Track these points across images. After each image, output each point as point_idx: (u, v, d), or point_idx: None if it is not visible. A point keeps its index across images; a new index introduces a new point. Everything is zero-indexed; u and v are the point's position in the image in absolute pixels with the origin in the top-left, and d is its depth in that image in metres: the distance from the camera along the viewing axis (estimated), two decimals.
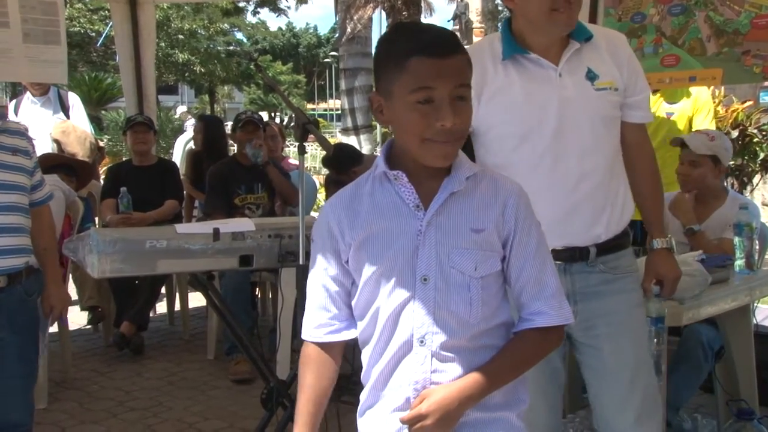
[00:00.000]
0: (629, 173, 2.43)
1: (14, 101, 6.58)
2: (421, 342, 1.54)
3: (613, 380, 2.31)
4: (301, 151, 3.02)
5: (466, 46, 1.56)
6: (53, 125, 5.99)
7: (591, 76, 2.27)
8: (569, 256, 2.27)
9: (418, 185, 1.56)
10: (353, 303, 1.63)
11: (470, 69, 1.54)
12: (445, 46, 1.50)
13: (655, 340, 2.44)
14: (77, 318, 5.58)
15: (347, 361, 4.11)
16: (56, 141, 5.86)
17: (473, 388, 1.53)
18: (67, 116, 6.23)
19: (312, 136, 3.08)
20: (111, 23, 9.96)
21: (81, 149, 5.84)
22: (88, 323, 5.54)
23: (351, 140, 15.21)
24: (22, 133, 2.79)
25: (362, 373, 1.67)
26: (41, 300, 2.87)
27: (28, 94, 6.28)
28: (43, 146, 5.89)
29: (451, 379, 1.54)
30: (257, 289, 5.59)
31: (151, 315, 5.45)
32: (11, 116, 6.22)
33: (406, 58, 1.49)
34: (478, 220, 1.56)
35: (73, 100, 6.43)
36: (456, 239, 1.55)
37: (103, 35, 21.86)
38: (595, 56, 2.29)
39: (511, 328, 1.63)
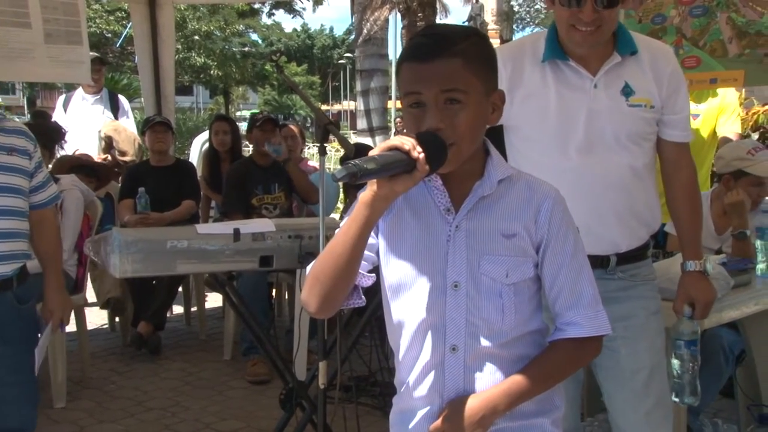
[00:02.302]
0: (666, 190, 2.43)
1: (63, 96, 6.77)
2: (453, 349, 1.53)
3: (628, 383, 2.31)
4: (323, 152, 3.01)
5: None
6: (104, 123, 6.19)
7: (627, 91, 2.25)
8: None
9: (451, 188, 1.54)
10: (383, 291, 1.61)
11: (466, 72, 1.47)
12: (428, 51, 1.47)
13: (691, 364, 2.40)
14: (95, 318, 5.61)
15: (365, 363, 4.12)
16: (107, 137, 6.04)
17: (500, 399, 1.51)
18: (116, 117, 6.40)
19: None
20: (130, 24, 10.01)
21: (131, 148, 6.10)
22: (107, 308, 5.48)
23: (366, 141, 15.21)
24: (21, 131, 2.64)
25: (395, 379, 1.65)
26: (41, 306, 2.78)
27: (79, 91, 6.46)
28: (90, 143, 6.07)
29: (483, 387, 1.52)
30: (273, 289, 5.59)
31: (167, 315, 5.46)
32: (59, 111, 6.45)
33: (400, 65, 1.52)
34: (509, 225, 1.53)
35: (124, 102, 6.64)
36: (486, 245, 1.52)
37: (122, 36, 22.00)
38: (636, 71, 2.27)
39: (544, 336, 1.60)
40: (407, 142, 1.37)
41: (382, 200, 1.40)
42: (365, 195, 1.39)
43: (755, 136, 6.77)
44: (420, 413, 1.58)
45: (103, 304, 5.42)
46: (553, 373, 1.57)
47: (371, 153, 1.38)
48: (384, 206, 1.42)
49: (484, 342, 1.52)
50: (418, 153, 1.37)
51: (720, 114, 4.55)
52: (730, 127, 4.54)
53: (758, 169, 3.57)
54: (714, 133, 4.53)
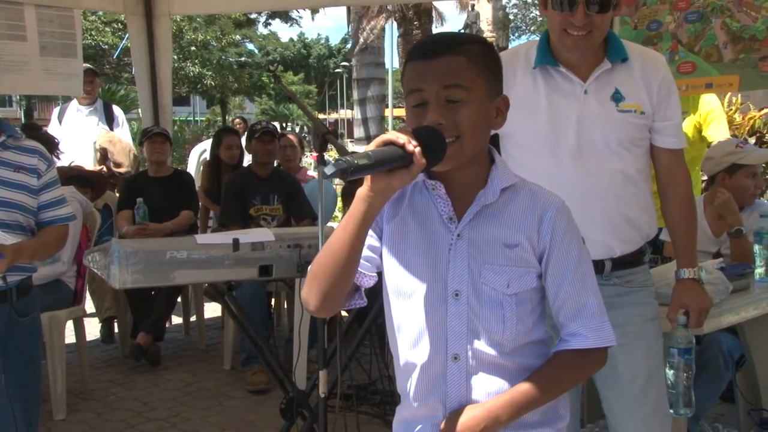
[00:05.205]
0: (662, 198, 2.44)
1: (58, 108, 6.80)
2: (455, 358, 1.51)
3: (625, 389, 2.32)
4: (321, 161, 3.02)
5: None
6: (98, 135, 6.21)
7: (617, 97, 2.27)
8: None
9: (455, 197, 1.53)
10: (385, 296, 1.60)
11: (470, 70, 1.47)
12: (431, 48, 1.48)
13: (685, 374, 2.39)
14: (94, 329, 5.60)
15: (365, 371, 4.12)
16: (102, 149, 6.07)
17: (502, 409, 1.49)
18: (111, 128, 6.44)
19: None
20: (127, 35, 10.02)
21: (126, 159, 6.12)
22: (101, 337, 5.57)
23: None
24: (36, 151, 2.68)
25: (398, 386, 1.64)
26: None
27: (74, 103, 6.50)
28: (85, 154, 6.10)
29: (487, 397, 1.51)
30: (272, 299, 5.59)
31: (167, 326, 5.45)
32: (54, 123, 6.48)
33: (404, 66, 1.53)
34: (512, 235, 1.51)
35: (119, 113, 6.68)
36: (488, 254, 1.51)
37: (119, 48, 22.01)
38: (626, 78, 2.29)
39: (548, 345, 1.59)
40: (401, 136, 1.36)
41: (379, 195, 1.38)
42: (361, 190, 1.38)
43: (752, 140, 6.81)
44: (423, 423, 1.57)
45: (102, 320, 5.46)
46: (557, 384, 1.55)
47: (366, 148, 1.37)
48: (381, 201, 1.40)
49: (487, 351, 1.51)
50: (413, 146, 1.36)
51: (705, 124, 4.50)
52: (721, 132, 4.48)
53: (751, 158, 3.64)
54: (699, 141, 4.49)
